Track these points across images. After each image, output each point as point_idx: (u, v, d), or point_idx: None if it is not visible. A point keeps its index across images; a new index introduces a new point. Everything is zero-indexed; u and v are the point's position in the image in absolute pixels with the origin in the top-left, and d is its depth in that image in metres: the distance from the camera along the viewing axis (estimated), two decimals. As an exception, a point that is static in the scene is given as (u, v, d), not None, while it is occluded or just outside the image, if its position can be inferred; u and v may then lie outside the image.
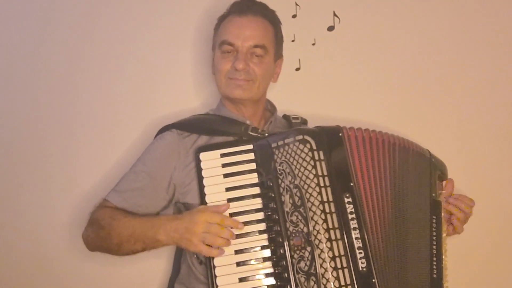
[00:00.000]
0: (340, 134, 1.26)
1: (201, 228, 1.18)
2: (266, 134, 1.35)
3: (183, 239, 1.20)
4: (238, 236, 1.23)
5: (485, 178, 1.78)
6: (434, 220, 1.31)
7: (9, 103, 1.70)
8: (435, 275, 1.28)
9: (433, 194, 1.33)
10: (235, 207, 1.26)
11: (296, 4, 1.72)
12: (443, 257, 1.30)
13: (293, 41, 1.72)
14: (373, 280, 1.16)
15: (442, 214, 1.34)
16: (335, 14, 1.72)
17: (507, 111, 1.78)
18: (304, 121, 1.55)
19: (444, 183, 1.40)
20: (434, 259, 1.29)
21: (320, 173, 1.20)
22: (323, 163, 1.21)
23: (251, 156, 1.30)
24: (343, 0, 1.72)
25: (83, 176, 1.70)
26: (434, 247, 1.30)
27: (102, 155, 1.70)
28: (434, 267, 1.28)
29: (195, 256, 1.35)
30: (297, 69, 1.74)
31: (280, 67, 1.51)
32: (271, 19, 1.44)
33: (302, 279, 1.17)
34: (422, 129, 1.72)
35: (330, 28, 1.73)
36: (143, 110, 1.70)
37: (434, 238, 1.30)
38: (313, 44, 1.73)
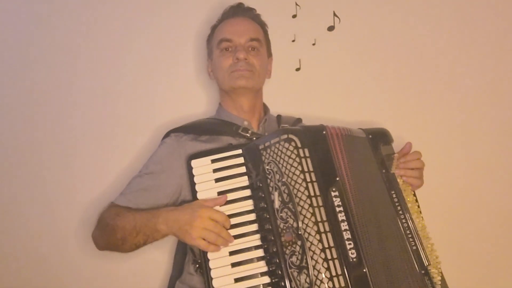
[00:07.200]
0: (324, 132, 1.30)
1: (202, 223, 1.22)
2: (254, 138, 1.41)
3: (182, 231, 1.23)
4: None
5: (486, 177, 1.79)
6: (394, 195, 1.33)
7: (12, 105, 1.75)
8: (414, 247, 1.29)
9: (383, 170, 1.36)
10: (227, 209, 1.29)
11: (296, 4, 1.76)
12: (418, 227, 1.31)
13: (293, 41, 1.77)
14: (364, 270, 1.17)
15: (401, 183, 1.35)
16: (335, 14, 1.76)
17: (508, 110, 1.80)
18: (298, 121, 1.60)
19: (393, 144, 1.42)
20: (408, 232, 1.30)
21: (306, 169, 1.23)
22: (308, 160, 1.24)
23: (241, 160, 1.34)
24: (343, 0, 1.77)
25: (83, 178, 1.73)
26: (404, 221, 1.31)
27: (109, 159, 1.74)
28: (411, 239, 1.29)
29: (192, 264, 1.39)
30: (297, 69, 1.78)
31: (271, 65, 1.61)
32: (258, 21, 1.57)
33: (295, 274, 1.19)
34: (422, 129, 1.75)
35: (330, 28, 1.77)
36: (148, 117, 1.74)
37: (401, 212, 1.32)
38: (313, 44, 1.77)
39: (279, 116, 1.61)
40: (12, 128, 1.74)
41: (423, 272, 1.26)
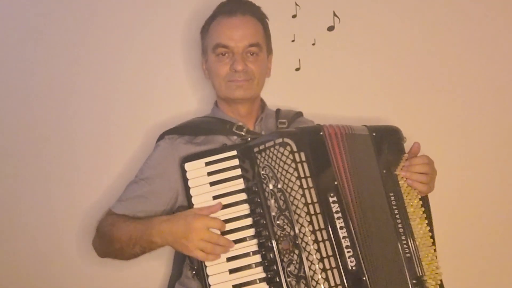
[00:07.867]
0: (321, 133, 1.24)
1: (198, 235, 1.19)
2: (249, 138, 1.36)
3: (178, 243, 1.21)
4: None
5: (489, 177, 1.78)
6: (392, 197, 1.26)
7: (9, 110, 1.73)
8: (408, 255, 1.22)
9: (384, 171, 1.28)
10: (223, 214, 1.26)
11: (296, 4, 1.73)
12: (418, 233, 1.24)
13: (293, 41, 1.74)
14: (364, 278, 1.14)
15: (405, 186, 1.28)
16: (335, 14, 1.73)
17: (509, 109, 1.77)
18: (298, 114, 1.55)
19: (405, 144, 1.34)
20: (403, 238, 1.23)
21: (302, 175, 1.18)
22: (305, 164, 1.19)
23: (236, 162, 1.29)
24: (343, 0, 1.73)
25: (82, 180, 1.72)
26: (400, 226, 1.24)
27: (102, 162, 1.72)
28: (405, 246, 1.23)
29: (189, 270, 1.38)
30: (297, 69, 1.75)
31: (271, 62, 1.52)
32: (259, 16, 1.45)
33: (293, 283, 1.16)
34: (422, 127, 1.73)
35: (330, 28, 1.74)
36: (141, 118, 1.71)
37: (397, 217, 1.25)
38: (313, 44, 1.74)
39: (278, 110, 1.54)
40: (11, 132, 1.72)
41: (414, 282, 1.21)
